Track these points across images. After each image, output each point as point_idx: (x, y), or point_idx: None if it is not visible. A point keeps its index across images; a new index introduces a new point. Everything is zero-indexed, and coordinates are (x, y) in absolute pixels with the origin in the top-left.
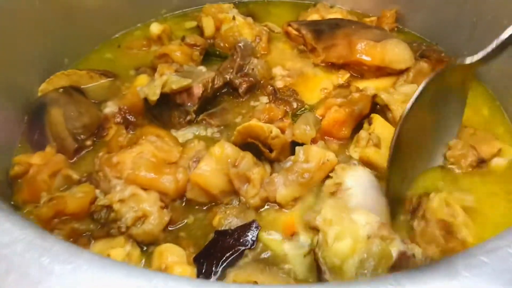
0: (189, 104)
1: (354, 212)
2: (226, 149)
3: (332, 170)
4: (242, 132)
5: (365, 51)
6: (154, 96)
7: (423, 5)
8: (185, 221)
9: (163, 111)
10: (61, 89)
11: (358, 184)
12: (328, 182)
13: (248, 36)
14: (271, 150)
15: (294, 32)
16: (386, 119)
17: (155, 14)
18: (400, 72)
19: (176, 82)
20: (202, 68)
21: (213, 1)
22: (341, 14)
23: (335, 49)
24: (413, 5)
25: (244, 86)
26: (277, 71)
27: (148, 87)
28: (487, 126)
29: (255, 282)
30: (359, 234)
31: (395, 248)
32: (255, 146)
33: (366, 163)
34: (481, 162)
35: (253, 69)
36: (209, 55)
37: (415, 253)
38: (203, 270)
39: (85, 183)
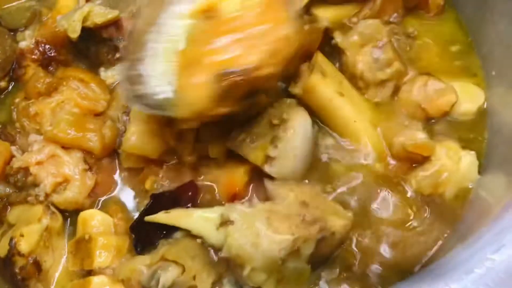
0: (118, 38)
1: (268, 228)
2: None
3: None
4: None
5: None
6: (74, 33)
7: None
8: (114, 184)
9: (89, 46)
10: None
11: (301, 127)
12: (273, 111)
13: None
14: None
15: None
16: (341, 64)
17: None
18: None
19: (100, 15)
20: None
21: None
22: None
23: None
24: None
25: None
26: None
27: (67, 20)
28: (451, 66)
29: (183, 267)
30: (273, 263)
31: (308, 248)
32: None
33: (307, 98)
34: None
35: None
36: None
37: (335, 231)
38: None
39: None
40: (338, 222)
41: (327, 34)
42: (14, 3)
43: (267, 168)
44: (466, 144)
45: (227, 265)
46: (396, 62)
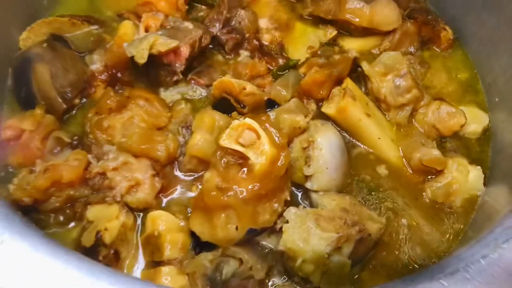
0: (176, 64)
1: (316, 227)
2: (215, 117)
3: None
4: (218, 87)
5: (354, 11)
6: (142, 59)
7: None
8: (176, 187)
9: (150, 69)
10: (45, 44)
11: (328, 144)
12: (302, 136)
13: None
14: (244, 106)
15: None
16: (366, 88)
17: None
18: (387, 33)
19: (163, 44)
20: (189, 25)
21: None
22: None
23: (324, 3)
24: None
25: (231, 43)
26: (264, 23)
27: (135, 48)
28: (460, 93)
29: (240, 260)
30: (320, 257)
31: (349, 246)
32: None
33: (340, 118)
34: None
35: (240, 22)
36: (194, 1)
37: (371, 233)
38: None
39: (77, 149)
40: (374, 226)
41: (355, 62)
42: (81, 30)
43: (308, 185)
44: (473, 160)
45: (276, 258)
46: (414, 89)
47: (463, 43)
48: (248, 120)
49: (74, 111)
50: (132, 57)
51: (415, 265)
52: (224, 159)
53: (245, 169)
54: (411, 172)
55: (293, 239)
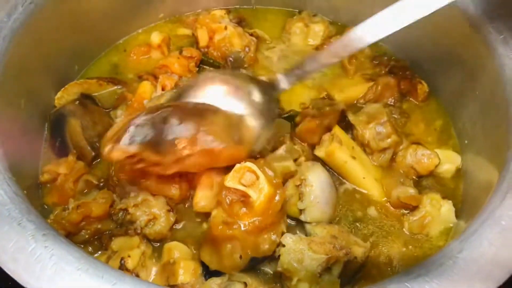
0: None
1: (308, 249)
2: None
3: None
4: None
5: None
6: None
7: None
8: (189, 221)
9: None
10: (77, 101)
11: (318, 181)
12: (295, 177)
13: (238, 45)
14: None
15: None
16: (352, 134)
17: (154, 19)
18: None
19: None
20: None
21: (206, 6)
22: (323, 25)
23: None
24: None
25: None
26: None
27: (154, 104)
28: (434, 137)
29: (245, 283)
30: (313, 275)
31: (338, 267)
32: None
33: (329, 160)
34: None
35: None
36: (203, 63)
37: (357, 256)
38: (208, 273)
39: (104, 189)
40: (359, 249)
41: (343, 113)
42: (107, 90)
43: (302, 218)
44: (447, 195)
45: (276, 280)
46: (393, 135)
47: (436, 94)
48: (248, 164)
49: (100, 158)
50: None
51: None
52: (229, 197)
53: (246, 205)
54: (394, 209)
55: (289, 260)
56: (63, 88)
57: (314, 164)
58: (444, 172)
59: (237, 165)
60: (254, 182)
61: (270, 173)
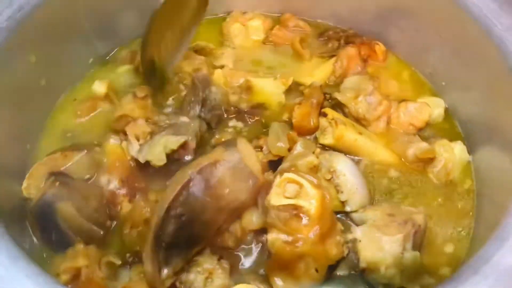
0: (185, 157)
1: (383, 234)
2: None
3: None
4: None
5: None
6: (161, 161)
7: None
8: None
9: (161, 169)
10: (57, 182)
11: (347, 168)
12: (322, 171)
13: (188, 69)
14: None
15: None
16: (344, 113)
17: (83, 68)
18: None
19: (174, 143)
20: (185, 119)
21: (136, 36)
22: (259, 19)
23: None
24: None
25: (215, 120)
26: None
27: (150, 153)
28: (413, 89)
29: None
30: (397, 258)
31: (409, 241)
32: None
33: (339, 143)
34: None
35: (215, 98)
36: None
37: (420, 224)
38: None
39: (137, 264)
40: (419, 216)
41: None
42: (74, 160)
43: (348, 209)
44: (451, 138)
45: (356, 279)
46: (384, 101)
47: (393, 50)
48: (287, 175)
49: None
50: (138, 163)
51: None
52: (280, 216)
53: (302, 217)
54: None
55: (371, 253)
56: (27, 175)
57: (332, 153)
58: (436, 118)
59: (277, 180)
60: (298, 192)
61: (308, 176)
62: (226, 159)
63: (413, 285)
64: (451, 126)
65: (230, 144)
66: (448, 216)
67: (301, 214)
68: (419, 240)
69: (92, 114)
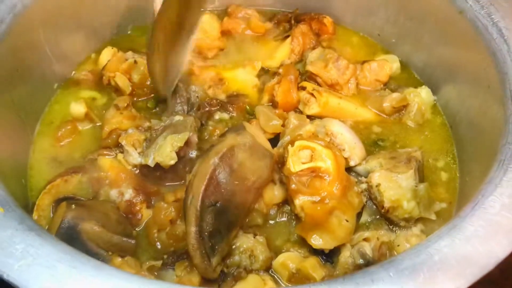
0: (190, 153)
1: (398, 173)
2: None
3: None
4: None
5: None
6: (172, 160)
7: None
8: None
9: (167, 169)
10: (73, 205)
11: (341, 128)
12: (320, 136)
13: None
14: None
15: None
16: (318, 82)
17: (50, 92)
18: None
19: (180, 139)
20: (179, 117)
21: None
22: (208, 16)
23: None
24: None
25: (205, 117)
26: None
27: (159, 155)
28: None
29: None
30: (414, 191)
31: (416, 176)
32: None
33: (324, 110)
34: None
35: (197, 96)
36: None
37: (420, 159)
38: None
39: (178, 262)
40: (416, 153)
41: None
42: (74, 183)
43: (352, 163)
44: (412, 85)
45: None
46: (350, 65)
47: (340, 22)
48: (299, 142)
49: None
50: (142, 168)
51: None
52: (302, 181)
53: (322, 176)
54: (388, 117)
55: (394, 192)
56: (34, 209)
57: (324, 119)
58: (396, 70)
59: (290, 149)
60: (312, 155)
61: (316, 140)
62: (241, 142)
63: (429, 213)
64: (409, 76)
65: (238, 129)
66: (435, 149)
67: (321, 174)
68: (422, 173)
69: (74, 136)
